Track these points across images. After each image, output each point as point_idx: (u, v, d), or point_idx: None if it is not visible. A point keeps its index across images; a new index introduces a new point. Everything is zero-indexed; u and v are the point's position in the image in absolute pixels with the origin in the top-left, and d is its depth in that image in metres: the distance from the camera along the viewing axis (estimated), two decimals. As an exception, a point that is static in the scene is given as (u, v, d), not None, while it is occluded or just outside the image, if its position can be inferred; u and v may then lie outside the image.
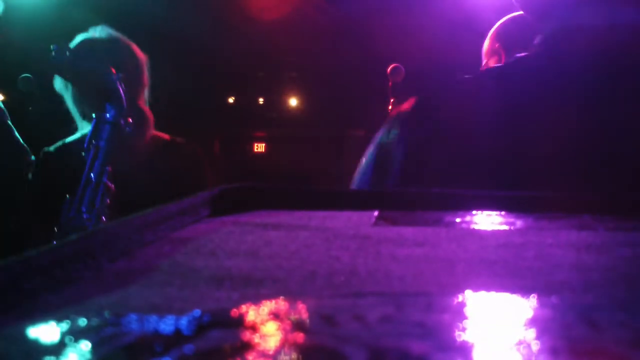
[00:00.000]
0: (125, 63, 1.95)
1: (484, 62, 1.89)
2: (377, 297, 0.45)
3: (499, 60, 1.84)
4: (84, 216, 1.52)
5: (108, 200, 1.58)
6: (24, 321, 0.39)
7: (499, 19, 1.88)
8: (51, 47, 1.58)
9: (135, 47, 2.04)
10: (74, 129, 2.08)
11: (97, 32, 2.00)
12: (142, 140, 1.99)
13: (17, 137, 2.20)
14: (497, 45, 1.86)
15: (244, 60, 6.82)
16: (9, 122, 2.18)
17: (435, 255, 0.60)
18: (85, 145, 1.59)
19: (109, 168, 1.57)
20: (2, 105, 2.19)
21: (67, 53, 1.59)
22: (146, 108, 2.05)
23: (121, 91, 1.63)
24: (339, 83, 7.00)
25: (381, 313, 0.38)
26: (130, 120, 1.64)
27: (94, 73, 1.65)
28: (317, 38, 6.01)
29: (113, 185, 1.60)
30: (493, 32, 1.87)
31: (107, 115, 1.60)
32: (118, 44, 2.01)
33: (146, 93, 2.09)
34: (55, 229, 1.56)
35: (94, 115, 1.64)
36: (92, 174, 1.55)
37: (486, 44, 1.89)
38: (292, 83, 8.19)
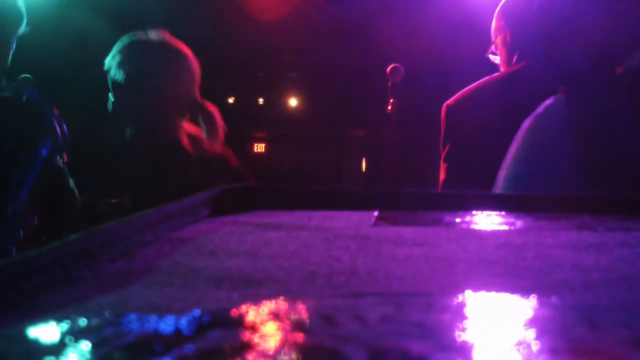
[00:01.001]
0: (175, 69, 1.94)
1: (492, 39, 1.88)
2: (377, 297, 0.45)
3: (505, 38, 1.83)
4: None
5: (22, 233, 1.58)
6: (24, 321, 0.39)
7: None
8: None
9: (186, 52, 2.00)
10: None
11: (150, 34, 1.98)
12: (216, 138, 1.96)
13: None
14: (502, 23, 1.86)
15: (244, 61, 6.82)
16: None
17: (435, 255, 0.60)
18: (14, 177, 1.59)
19: (26, 199, 1.58)
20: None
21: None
22: (210, 105, 2.02)
23: (57, 127, 1.62)
24: (339, 83, 7.00)
25: (381, 313, 0.38)
26: (66, 156, 1.64)
27: (31, 105, 1.65)
28: (317, 38, 6.01)
29: (35, 219, 1.60)
30: (498, 9, 1.87)
31: (43, 150, 1.59)
32: (168, 48, 1.98)
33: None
34: None
35: (29, 147, 1.63)
36: (9, 207, 1.55)
37: (493, 22, 1.89)
38: (292, 83, 8.18)
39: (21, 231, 1.58)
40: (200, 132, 1.95)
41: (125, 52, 1.86)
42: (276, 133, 8.73)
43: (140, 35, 1.94)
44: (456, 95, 1.82)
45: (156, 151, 1.82)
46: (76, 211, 2.07)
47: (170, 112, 1.90)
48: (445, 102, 1.82)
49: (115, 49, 1.89)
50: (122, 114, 1.88)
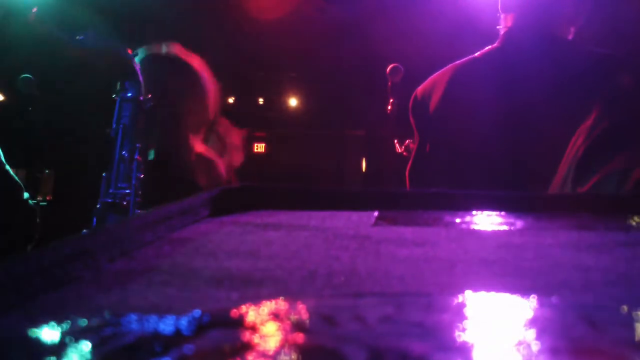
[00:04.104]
0: (191, 86, 1.97)
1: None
2: (377, 297, 0.45)
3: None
4: (125, 191, 1.60)
5: (142, 175, 1.65)
6: (24, 321, 0.39)
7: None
8: (77, 37, 1.63)
9: (201, 69, 2.02)
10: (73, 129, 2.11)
11: (164, 48, 2.02)
12: (233, 157, 2.01)
13: (10, 174, 2.21)
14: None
15: (244, 60, 6.82)
16: (2, 159, 2.19)
17: (435, 255, 0.60)
18: (113, 126, 1.65)
19: (138, 144, 1.64)
20: None
21: (91, 37, 1.64)
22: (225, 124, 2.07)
23: (137, 69, 1.66)
24: (339, 83, 7.00)
25: (381, 313, 0.38)
26: (150, 95, 1.68)
27: (111, 52, 1.69)
28: (317, 38, 6.01)
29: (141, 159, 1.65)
30: None
31: (128, 93, 1.65)
32: (183, 64, 2.00)
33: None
34: (98, 205, 1.62)
35: (113, 95, 1.68)
36: (124, 152, 1.62)
37: None
38: (292, 83, 8.19)
39: (139, 172, 1.66)
40: (212, 153, 1.99)
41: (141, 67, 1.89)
42: (276, 133, 8.73)
43: (153, 49, 1.97)
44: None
45: (167, 179, 1.85)
46: (33, 226, 2.12)
47: (185, 131, 1.93)
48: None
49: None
50: (136, 133, 1.91)
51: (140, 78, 1.65)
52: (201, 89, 1.98)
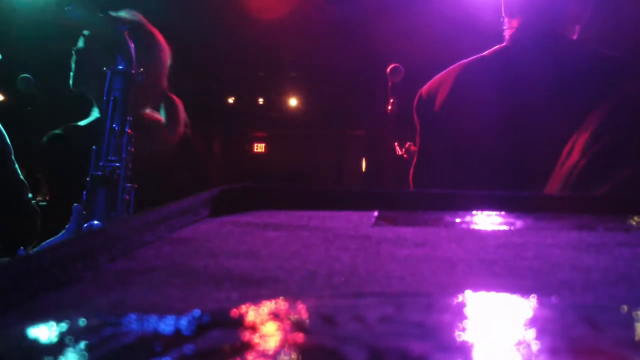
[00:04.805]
0: (154, 54, 2.01)
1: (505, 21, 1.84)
2: (377, 297, 0.45)
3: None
4: (115, 164, 1.60)
5: (132, 148, 1.64)
6: (24, 321, 0.39)
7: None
8: (66, 8, 1.63)
9: (157, 35, 2.08)
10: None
11: (129, 15, 2.06)
12: (176, 130, 2.03)
13: (18, 173, 2.22)
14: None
15: (244, 60, 6.82)
16: (12, 157, 2.20)
17: (435, 255, 0.60)
18: (104, 98, 1.65)
19: (130, 117, 1.63)
20: (6, 136, 2.21)
21: (80, 11, 1.65)
22: (176, 98, 2.09)
23: (129, 42, 1.67)
24: (339, 83, 7.01)
25: (381, 313, 0.38)
26: (142, 69, 1.68)
27: (103, 26, 1.70)
28: (317, 38, 6.01)
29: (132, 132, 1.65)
30: None
31: (119, 66, 1.65)
32: (148, 32, 2.05)
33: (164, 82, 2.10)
34: (88, 179, 1.61)
35: (104, 68, 1.68)
36: (114, 125, 1.62)
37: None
38: (292, 83, 8.19)
39: (130, 146, 1.65)
40: (161, 120, 2.02)
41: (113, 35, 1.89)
42: (276, 133, 8.74)
43: (119, 16, 1.98)
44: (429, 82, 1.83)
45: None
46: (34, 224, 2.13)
47: (142, 99, 1.96)
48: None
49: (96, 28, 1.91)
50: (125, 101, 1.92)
51: (132, 51, 1.66)
52: (164, 58, 2.03)
